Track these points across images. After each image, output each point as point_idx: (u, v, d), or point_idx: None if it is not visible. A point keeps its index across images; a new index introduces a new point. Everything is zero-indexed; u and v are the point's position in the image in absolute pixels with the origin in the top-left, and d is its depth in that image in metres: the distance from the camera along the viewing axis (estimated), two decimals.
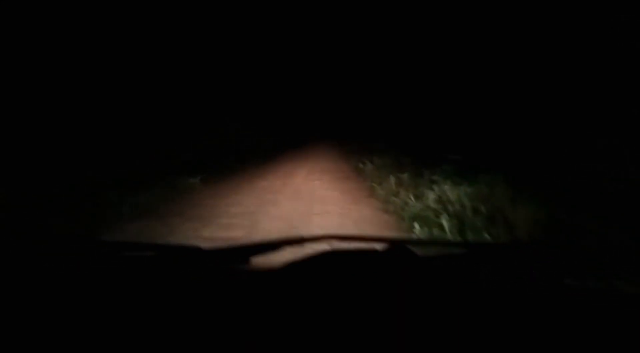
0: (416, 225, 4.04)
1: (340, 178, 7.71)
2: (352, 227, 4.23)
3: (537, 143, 4.66)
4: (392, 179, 6.19)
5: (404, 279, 0.73)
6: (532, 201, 3.92)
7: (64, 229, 4.44)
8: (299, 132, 17.57)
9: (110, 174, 7.52)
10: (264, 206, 5.47)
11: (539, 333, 0.56)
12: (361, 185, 6.94)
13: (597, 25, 4.50)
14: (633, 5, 4.28)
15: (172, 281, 0.75)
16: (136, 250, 0.91)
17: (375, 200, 5.62)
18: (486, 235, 3.51)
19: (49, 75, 7.59)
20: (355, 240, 1.01)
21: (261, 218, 4.83)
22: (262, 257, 0.86)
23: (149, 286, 0.74)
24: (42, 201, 5.18)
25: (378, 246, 0.89)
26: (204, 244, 0.93)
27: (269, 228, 4.22)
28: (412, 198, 5.00)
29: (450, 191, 4.77)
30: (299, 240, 0.94)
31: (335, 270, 0.78)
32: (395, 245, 0.89)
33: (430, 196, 4.85)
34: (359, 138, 11.93)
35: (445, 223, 3.93)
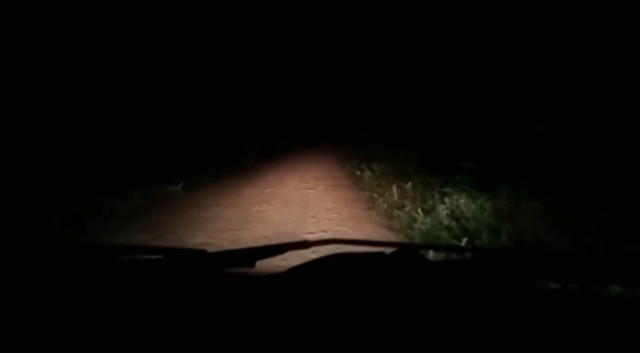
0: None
1: (336, 187, 7.00)
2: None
3: (569, 147, 3.99)
4: (395, 189, 5.49)
5: (412, 284, 0.71)
6: (569, 219, 3.26)
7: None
8: (291, 135, 16.82)
9: (80, 180, 6.77)
10: (248, 221, 4.74)
11: (546, 339, 0.55)
12: (359, 195, 6.23)
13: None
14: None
15: (177, 284, 0.76)
16: (141, 254, 0.90)
17: (377, 214, 4.92)
18: None
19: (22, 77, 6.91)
20: (361, 245, 0.95)
21: (245, 236, 4.11)
22: (267, 261, 0.84)
23: (153, 289, 0.74)
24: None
25: (385, 250, 0.86)
26: None
27: None
28: (421, 213, 4.30)
29: (465, 205, 4.09)
30: (305, 244, 0.91)
31: (341, 274, 0.76)
32: (404, 249, 0.84)
33: (442, 211, 4.16)
34: (356, 141, 11.17)
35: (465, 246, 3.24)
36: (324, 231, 4.18)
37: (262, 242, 3.82)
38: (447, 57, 6.43)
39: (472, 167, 4.50)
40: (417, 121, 7.51)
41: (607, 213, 3.23)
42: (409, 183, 5.58)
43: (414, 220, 4.26)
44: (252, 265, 0.83)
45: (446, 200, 4.44)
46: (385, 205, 5.12)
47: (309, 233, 4.12)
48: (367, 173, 7.33)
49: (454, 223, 3.89)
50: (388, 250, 0.86)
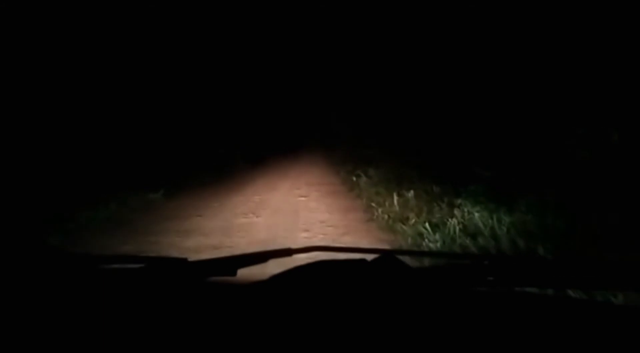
0: None
1: (330, 194, 6.43)
2: None
3: (598, 152, 3.45)
4: (396, 198, 4.93)
5: (393, 290, 0.71)
6: (608, 237, 2.73)
7: None
8: (282, 137, 16.22)
9: (48, 187, 6.12)
10: (231, 236, 4.15)
11: (526, 344, 0.55)
12: (356, 204, 5.67)
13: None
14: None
15: (158, 293, 0.75)
16: (120, 262, 0.88)
17: (377, 228, 4.35)
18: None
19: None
20: (343, 252, 0.92)
21: None
22: (249, 269, 0.82)
23: (134, 298, 0.73)
24: None
25: (367, 257, 0.84)
26: None
27: None
28: (428, 227, 3.75)
29: (480, 219, 3.54)
30: (287, 252, 0.89)
31: (323, 281, 0.75)
32: (385, 256, 0.83)
33: (454, 225, 3.61)
34: (350, 144, 10.57)
35: None
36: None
37: None
38: (452, 52, 5.90)
39: (486, 175, 3.94)
40: (419, 120, 6.95)
41: None
42: (412, 192, 5.03)
43: (421, 235, 3.71)
44: (234, 273, 0.81)
45: (456, 212, 3.89)
46: (386, 217, 4.56)
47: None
48: (364, 179, 6.77)
49: (468, 241, 3.34)
50: (370, 257, 0.84)
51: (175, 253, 3.58)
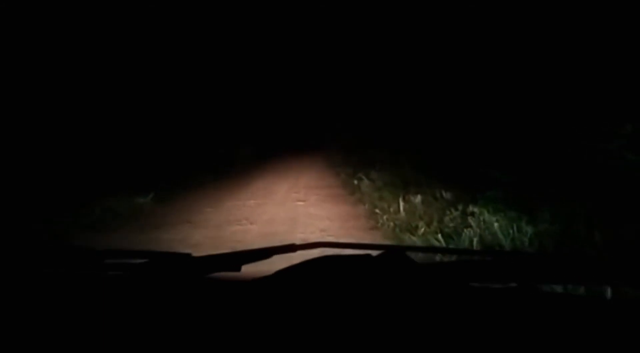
0: None
1: (330, 198, 6.04)
2: None
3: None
4: (402, 204, 4.54)
5: (399, 285, 0.69)
6: None
7: None
8: (281, 137, 15.84)
9: (29, 191, 5.72)
10: (221, 248, 3.74)
11: (537, 341, 0.53)
12: (358, 210, 5.28)
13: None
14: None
15: (162, 288, 0.74)
16: (126, 258, 0.87)
17: (382, 237, 3.95)
18: None
19: None
20: (348, 248, 0.93)
21: None
22: (253, 265, 0.81)
23: (139, 293, 0.73)
24: None
25: (373, 252, 0.83)
26: None
27: None
28: (441, 238, 3.36)
29: (500, 230, 3.16)
30: (291, 248, 0.89)
31: (328, 277, 0.74)
32: (391, 251, 0.83)
33: (469, 236, 3.23)
34: (350, 144, 10.16)
35: None
36: None
37: None
38: (467, 50, 5.53)
39: (505, 180, 3.55)
40: (425, 119, 6.56)
41: None
42: (419, 197, 4.64)
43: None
44: (238, 269, 0.80)
45: (471, 221, 3.51)
46: (392, 225, 4.18)
47: None
48: (366, 182, 6.38)
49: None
50: (375, 252, 0.82)
51: None
